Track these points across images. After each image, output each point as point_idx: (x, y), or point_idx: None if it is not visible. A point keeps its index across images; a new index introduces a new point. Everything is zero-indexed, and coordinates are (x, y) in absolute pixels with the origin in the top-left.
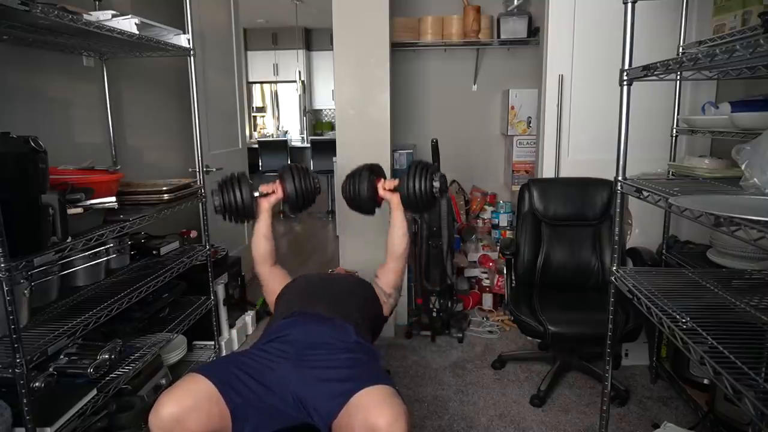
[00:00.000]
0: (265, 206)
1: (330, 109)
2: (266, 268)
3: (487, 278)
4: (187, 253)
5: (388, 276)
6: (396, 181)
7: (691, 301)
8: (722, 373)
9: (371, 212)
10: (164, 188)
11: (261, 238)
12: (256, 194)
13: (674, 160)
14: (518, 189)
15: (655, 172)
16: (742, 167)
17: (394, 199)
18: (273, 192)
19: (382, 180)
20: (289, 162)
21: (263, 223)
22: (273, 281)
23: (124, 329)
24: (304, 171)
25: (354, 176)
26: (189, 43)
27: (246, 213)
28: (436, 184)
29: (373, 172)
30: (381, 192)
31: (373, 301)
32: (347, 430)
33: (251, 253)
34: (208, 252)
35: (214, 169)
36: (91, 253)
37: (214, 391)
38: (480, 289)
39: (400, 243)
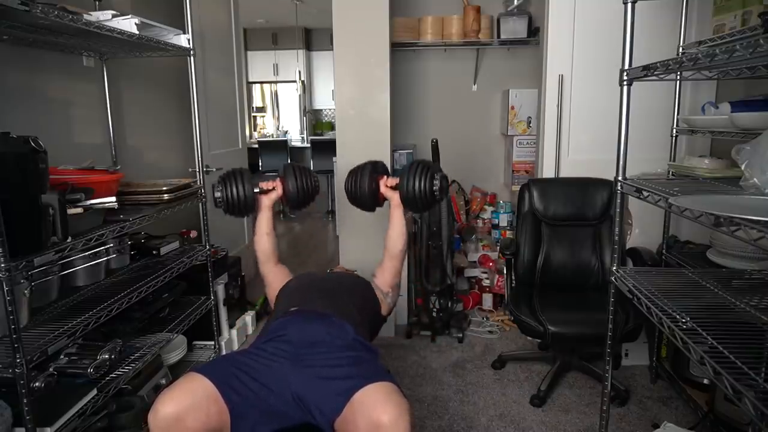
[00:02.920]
0: (266, 203)
1: (330, 109)
2: (270, 266)
3: (487, 278)
4: (187, 253)
5: (386, 275)
6: (397, 179)
7: (691, 301)
8: (722, 373)
9: (372, 209)
10: (164, 188)
11: (263, 235)
12: (257, 190)
13: (674, 160)
14: (518, 189)
15: (655, 172)
16: (742, 167)
17: (395, 197)
18: (273, 189)
19: (385, 177)
20: (289, 161)
21: (264, 221)
22: (276, 279)
23: (124, 329)
24: (304, 169)
25: (357, 172)
26: (189, 43)
27: (246, 207)
28: (437, 183)
29: (377, 169)
30: (383, 189)
31: (372, 299)
32: (351, 427)
33: (254, 253)
34: (208, 252)
35: (214, 169)
36: (91, 253)
37: (213, 390)
38: (480, 289)
39: (398, 242)
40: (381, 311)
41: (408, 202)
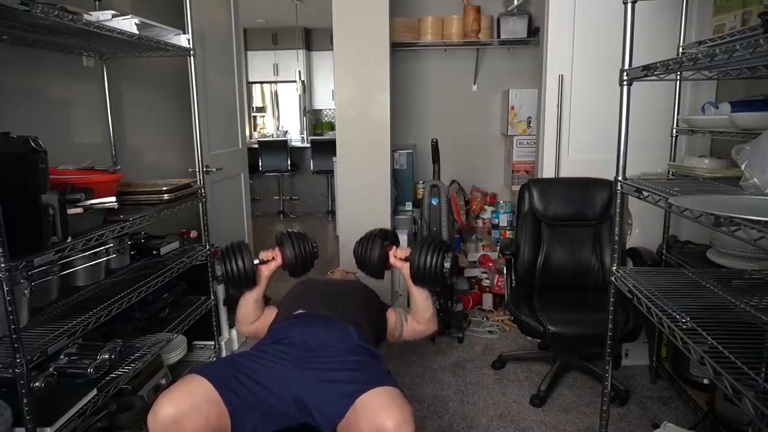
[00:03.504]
0: (265, 273)
1: (330, 109)
2: (248, 327)
3: (487, 278)
4: (187, 253)
5: (415, 327)
6: (408, 251)
7: (691, 301)
8: (722, 373)
9: (380, 276)
10: (164, 188)
11: (251, 302)
12: (257, 262)
13: (674, 160)
14: (518, 189)
15: (655, 172)
16: (742, 167)
17: (405, 269)
18: (273, 259)
19: (394, 248)
20: (288, 230)
21: (258, 291)
22: (264, 320)
23: (124, 329)
24: (302, 236)
25: (367, 240)
26: (189, 43)
27: (248, 281)
28: (447, 264)
29: (387, 238)
30: (392, 260)
31: (375, 305)
32: (354, 431)
33: (238, 326)
34: (208, 252)
35: (214, 169)
36: (91, 253)
37: (213, 392)
38: (480, 289)
39: (427, 308)
40: (385, 324)
41: (417, 276)
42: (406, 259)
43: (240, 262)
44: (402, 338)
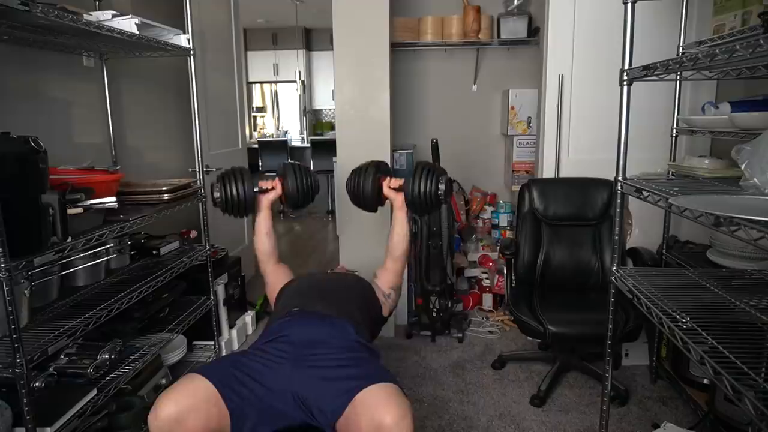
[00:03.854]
0: (265, 203)
1: (330, 109)
2: (270, 266)
3: (487, 278)
4: (187, 253)
5: (387, 276)
6: (401, 181)
7: (691, 301)
8: (722, 373)
9: (374, 209)
10: (164, 188)
11: (263, 235)
12: (256, 189)
13: (674, 160)
14: (518, 189)
15: (655, 172)
16: (742, 167)
17: (398, 199)
18: (273, 188)
19: (388, 178)
20: (290, 161)
21: (264, 220)
22: (277, 279)
23: (124, 329)
24: (303, 168)
25: (359, 171)
26: (189, 43)
27: (246, 207)
28: (442, 187)
29: (380, 169)
30: (385, 190)
31: (373, 300)
32: (353, 428)
33: (254, 252)
34: (208, 252)
35: (214, 169)
36: (91, 253)
37: (213, 391)
38: (480, 289)
39: (401, 243)
40: (382, 312)
41: (412, 204)
42: (399, 189)
43: (239, 187)
44: (390, 300)
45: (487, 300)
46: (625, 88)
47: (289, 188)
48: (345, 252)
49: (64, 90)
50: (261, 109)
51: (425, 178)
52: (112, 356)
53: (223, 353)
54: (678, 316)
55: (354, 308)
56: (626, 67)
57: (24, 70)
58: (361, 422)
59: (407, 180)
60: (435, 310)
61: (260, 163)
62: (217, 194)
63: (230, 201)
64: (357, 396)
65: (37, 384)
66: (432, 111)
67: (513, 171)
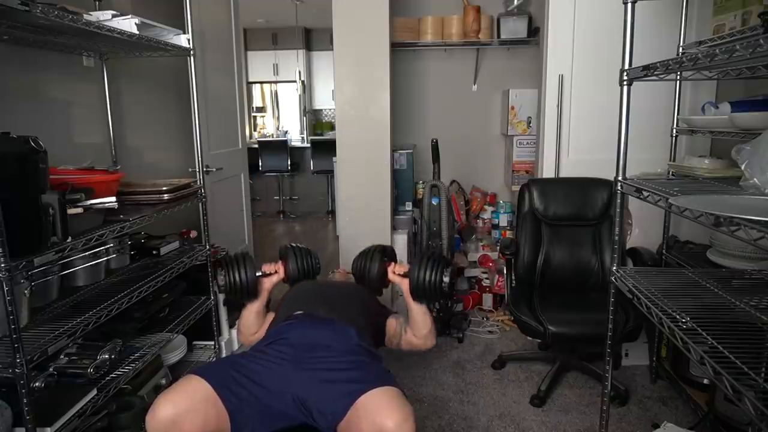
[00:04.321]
0: (267, 286)
1: (330, 109)
2: (249, 338)
3: (487, 278)
4: (187, 253)
5: (411, 341)
6: (406, 267)
7: (691, 301)
8: (722, 373)
9: (378, 292)
10: (164, 188)
11: (253, 314)
12: (259, 274)
13: (674, 160)
14: (518, 189)
15: (655, 172)
16: (742, 167)
17: (404, 285)
18: (275, 272)
19: (393, 264)
20: (291, 245)
21: (259, 302)
22: (264, 326)
23: (124, 329)
24: (304, 249)
25: (366, 255)
26: (189, 43)
27: (249, 292)
28: (446, 279)
29: (386, 254)
30: (390, 276)
31: (374, 306)
32: (355, 431)
33: (239, 337)
34: (208, 252)
35: (214, 169)
36: (91, 253)
37: (212, 392)
38: (480, 289)
39: (425, 324)
40: (384, 325)
41: (416, 292)
42: (405, 275)
43: (242, 274)
44: (400, 347)
45: (487, 300)
46: (625, 88)
47: (291, 271)
48: (345, 252)
49: (64, 90)
50: (261, 109)
51: (430, 269)
52: (112, 356)
53: (223, 353)
54: (678, 316)
55: (356, 313)
56: (626, 67)
57: (24, 70)
58: (362, 426)
59: (412, 268)
60: (435, 310)
61: (260, 163)
62: (221, 281)
63: (234, 287)
64: (359, 399)
65: (37, 384)
66: (432, 111)
67: (513, 171)
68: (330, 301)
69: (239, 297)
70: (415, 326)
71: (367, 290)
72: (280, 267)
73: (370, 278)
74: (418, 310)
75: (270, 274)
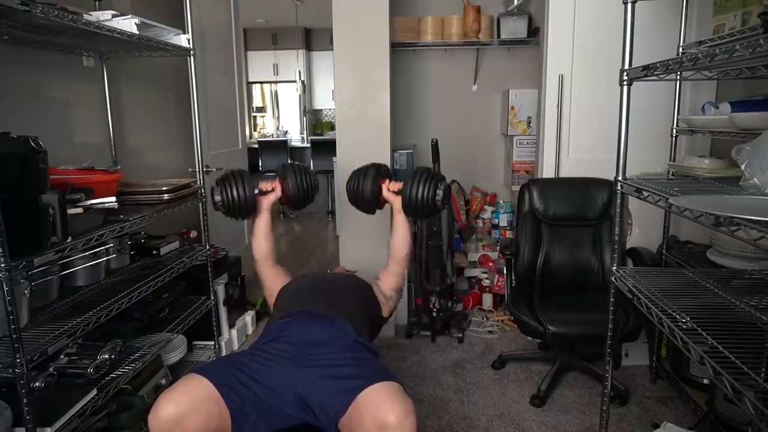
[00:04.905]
0: (265, 204)
1: (330, 109)
2: (267, 268)
3: (487, 278)
4: (187, 253)
5: (389, 278)
6: (400, 184)
7: (691, 301)
8: (722, 373)
9: (372, 212)
10: (164, 188)
11: (261, 237)
12: (257, 191)
13: (674, 160)
14: (518, 189)
15: (655, 172)
16: (742, 167)
17: (397, 202)
18: (273, 190)
19: (387, 181)
20: (289, 161)
21: (263, 222)
22: (274, 280)
23: (124, 329)
24: (303, 168)
25: (360, 173)
26: (189, 43)
27: (247, 209)
28: (440, 192)
29: (380, 171)
30: (385, 193)
31: (373, 301)
32: (356, 426)
33: (252, 253)
34: (208, 252)
35: (214, 169)
36: (91, 253)
37: (214, 391)
38: (480, 289)
39: (403, 246)
40: (382, 313)
41: (409, 209)
42: (398, 192)
43: (240, 190)
44: (391, 302)
45: (487, 300)
46: (625, 88)
47: (290, 188)
48: (345, 252)
49: (64, 90)
50: (261, 109)
51: (424, 183)
52: (112, 356)
53: (223, 353)
54: (678, 316)
55: (353, 309)
56: (626, 67)
57: (24, 70)
58: (364, 421)
59: (405, 183)
60: (435, 310)
61: (260, 163)
62: (218, 197)
63: (231, 204)
64: (360, 395)
65: (37, 384)
66: (432, 111)
67: (513, 171)
68: (328, 297)
69: (238, 215)
70: (395, 247)
71: (366, 284)
72: (277, 185)
73: (363, 196)
74: (404, 229)
75: (267, 192)
